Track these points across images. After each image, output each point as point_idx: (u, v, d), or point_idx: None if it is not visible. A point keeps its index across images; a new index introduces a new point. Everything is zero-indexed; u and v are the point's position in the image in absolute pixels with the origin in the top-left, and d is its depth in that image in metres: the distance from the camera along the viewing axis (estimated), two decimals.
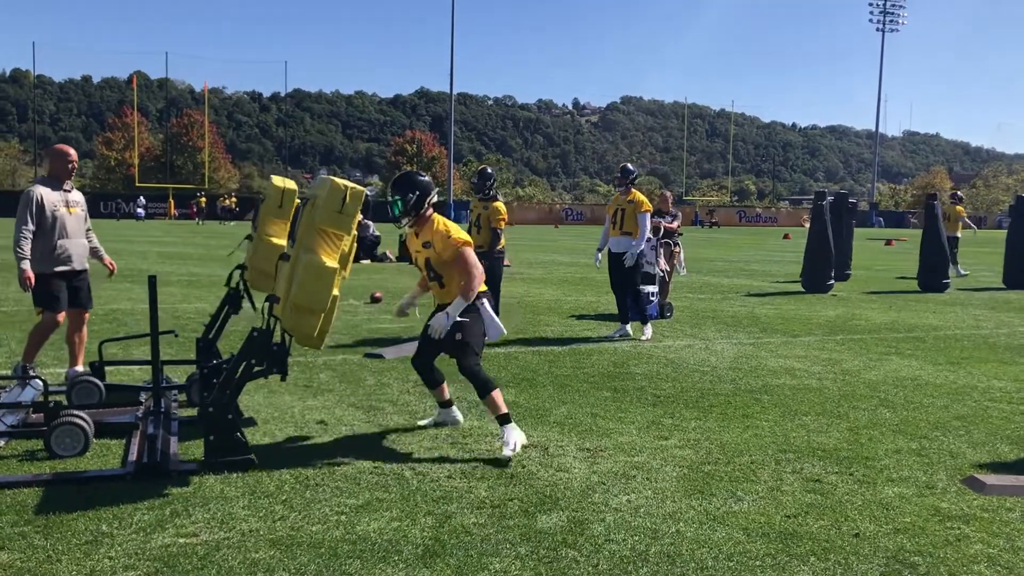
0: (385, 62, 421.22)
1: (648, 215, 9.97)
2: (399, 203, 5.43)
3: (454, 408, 6.02)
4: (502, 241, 10.06)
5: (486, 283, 9.90)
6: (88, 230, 7.13)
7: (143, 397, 6.30)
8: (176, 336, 8.18)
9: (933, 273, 17.03)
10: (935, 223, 17.44)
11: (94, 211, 64.05)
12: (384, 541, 3.90)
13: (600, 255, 10.58)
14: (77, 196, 6.97)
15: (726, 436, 5.79)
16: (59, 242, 6.75)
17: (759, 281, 18.74)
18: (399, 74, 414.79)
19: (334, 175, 5.84)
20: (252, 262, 6.33)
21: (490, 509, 4.34)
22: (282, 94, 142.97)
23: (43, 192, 6.68)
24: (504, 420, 5.31)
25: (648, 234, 12.36)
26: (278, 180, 6.48)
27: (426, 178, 5.56)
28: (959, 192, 22.76)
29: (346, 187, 4.96)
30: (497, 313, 10.07)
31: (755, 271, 21.83)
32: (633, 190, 10.09)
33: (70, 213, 6.83)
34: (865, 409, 6.66)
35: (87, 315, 7.22)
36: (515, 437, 5.26)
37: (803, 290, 16.36)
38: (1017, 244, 18.19)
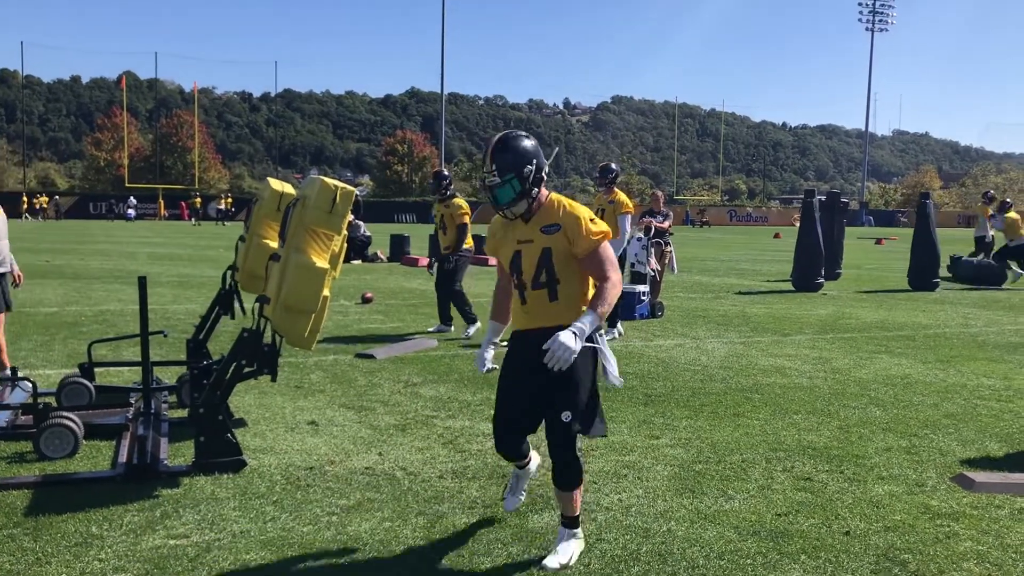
0: (375, 62, 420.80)
1: (628, 217, 9.97)
2: (514, 183, 3.63)
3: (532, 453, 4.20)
4: (468, 240, 10.13)
5: (448, 283, 9.96)
6: None
7: (133, 398, 6.27)
8: (166, 337, 8.17)
9: (923, 272, 17.10)
10: (927, 223, 17.47)
11: (84, 212, 63.67)
12: (376, 541, 3.90)
13: None
14: None
15: (717, 435, 5.80)
16: None
17: (750, 280, 18.78)
18: (389, 74, 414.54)
19: (324, 175, 5.82)
20: (244, 264, 6.32)
21: (482, 509, 4.33)
22: (272, 94, 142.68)
23: None
24: (572, 524, 3.80)
25: (639, 234, 12.41)
26: (275, 183, 6.45)
27: (531, 139, 3.77)
28: (991, 191, 21.81)
29: (336, 187, 4.95)
30: (449, 315, 10.08)
31: (745, 270, 21.88)
32: (615, 190, 10.10)
33: None
34: (855, 407, 6.68)
35: (3, 316, 7.02)
36: (574, 549, 3.75)
37: (793, 289, 16.41)
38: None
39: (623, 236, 9.89)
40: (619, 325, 10.13)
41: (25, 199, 56.51)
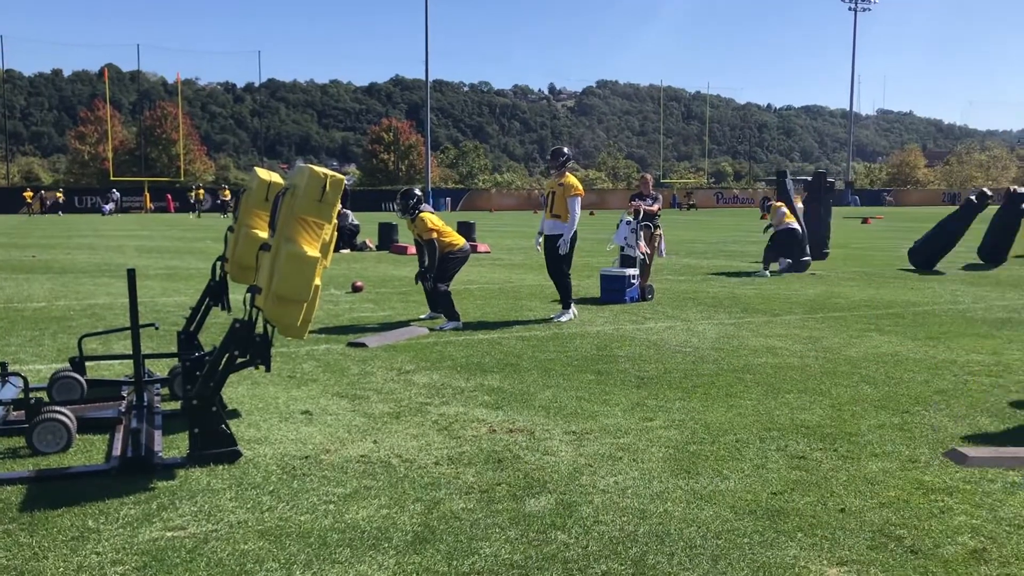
0: (359, 50, 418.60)
1: (578, 199, 9.99)
2: None
3: None
4: (452, 239, 9.86)
5: (436, 279, 9.72)
6: None
7: (125, 391, 6.25)
8: (157, 329, 8.13)
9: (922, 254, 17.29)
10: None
11: (69, 207, 63.07)
12: (373, 529, 3.90)
13: (540, 239, 10.60)
14: None
15: (710, 416, 5.82)
16: None
17: (738, 261, 18.82)
18: (374, 62, 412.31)
19: (311, 164, 5.79)
20: (233, 255, 6.29)
21: (478, 494, 4.34)
22: (256, 84, 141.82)
23: None
24: None
25: (629, 217, 12.42)
26: (263, 172, 6.42)
27: None
28: None
29: (326, 175, 4.93)
30: (445, 305, 9.68)
31: (734, 252, 21.93)
32: (567, 173, 10.12)
33: None
34: (847, 385, 6.72)
35: None
36: None
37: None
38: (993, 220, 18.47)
39: (573, 219, 9.92)
40: (572, 307, 10.25)
41: None
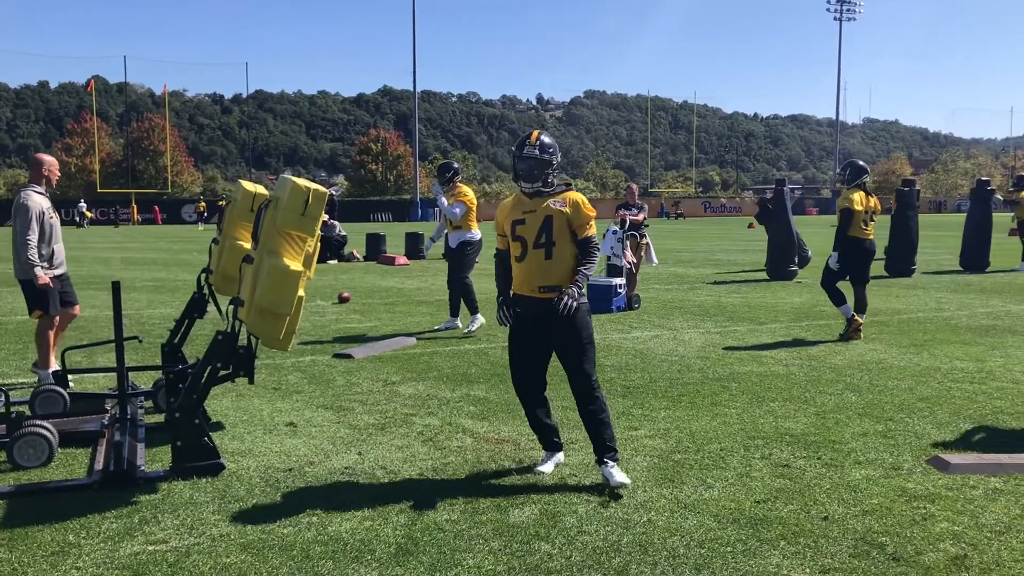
0: (347, 61, 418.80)
1: (462, 205, 9.96)
2: None
3: None
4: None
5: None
6: None
7: (108, 404, 6.21)
8: (141, 342, 8.10)
9: (899, 258, 17.32)
10: (904, 211, 17.65)
11: None
12: (357, 541, 3.89)
13: (431, 244, 10.86)
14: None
15: (695, 424, 5.83)
16: (55, 247, 7.04)
17: (725, 270, 18.88)
18: (362, 73, 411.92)
19: (299, 175, 5.77)
20: (218, 267, 6.27)
21: (462, 505, 4.33)
22: (244, 95, 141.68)
23: (39, 200, 6.96)
24: None
25: (615, 227, 12.46)
26: (248, 184, 6.43)
27: None
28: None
29: (308, 189, 4.92)
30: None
31: (721, 260, 22.00)
32: (459, 186, 10.10)
33: (56, 219, 7.14)
34: (831, 393, 6.74)
35: (77, 310, 7.44)
36: None
37: (768, 278, 16.51)
38: (974, 228, 18.54)
39: (447, 215, 10.01)
40: (456, 320, 10.43)
41: None
